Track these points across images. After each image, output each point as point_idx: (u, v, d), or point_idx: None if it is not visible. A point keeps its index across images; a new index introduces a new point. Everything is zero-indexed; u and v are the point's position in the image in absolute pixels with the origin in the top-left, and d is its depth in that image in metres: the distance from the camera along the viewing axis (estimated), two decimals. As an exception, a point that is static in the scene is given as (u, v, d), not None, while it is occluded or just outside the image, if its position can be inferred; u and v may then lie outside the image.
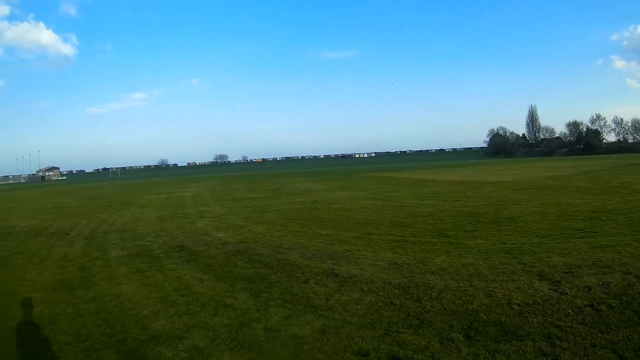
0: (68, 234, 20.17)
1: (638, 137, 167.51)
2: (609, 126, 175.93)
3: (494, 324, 6.81)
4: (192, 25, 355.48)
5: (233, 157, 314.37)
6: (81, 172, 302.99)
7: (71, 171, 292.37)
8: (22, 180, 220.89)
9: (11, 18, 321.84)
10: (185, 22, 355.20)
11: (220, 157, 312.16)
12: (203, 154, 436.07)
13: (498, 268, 10.11)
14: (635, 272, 9.15)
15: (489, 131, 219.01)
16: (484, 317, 7.10)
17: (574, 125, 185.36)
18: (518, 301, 7.77)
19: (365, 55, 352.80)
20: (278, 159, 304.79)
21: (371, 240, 14.39)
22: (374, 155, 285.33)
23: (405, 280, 9.49)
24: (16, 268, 13.61)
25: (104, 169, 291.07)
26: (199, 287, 10.01)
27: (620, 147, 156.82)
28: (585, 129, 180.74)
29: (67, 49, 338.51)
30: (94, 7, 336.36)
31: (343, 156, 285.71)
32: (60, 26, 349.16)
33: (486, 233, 14.58)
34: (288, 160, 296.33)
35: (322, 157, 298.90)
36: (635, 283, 8.46)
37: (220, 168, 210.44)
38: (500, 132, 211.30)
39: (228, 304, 8.57)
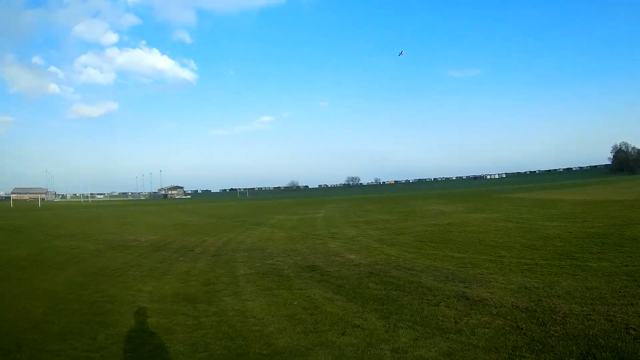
0: (192, 250, 20.53)
1: None
2: None
3: (610, 349, 6.69)
4: (318, 48, 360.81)
5: (365, 179, 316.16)
6: (207, 192, 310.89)
7: (196, 191, 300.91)
8: (142, 198, 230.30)
9: (121, 45, 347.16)
10: (310, 45, 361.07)
11: (352, 179, 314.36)
12: (335, 176, 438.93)
13: (620, 291, 9.92)
14: None
15: (612, 147, 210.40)
16: (602, 342, 6.98)
17: None
18: (635, 326, 7.61)
19: (490, 74, 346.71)
20: (410, 180, 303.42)
21: (502, 263, 14.17)
22: (504, 175, 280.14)
23: (532, 304, 9.36)
24: (133, 279, 14.15)
25: (231, 189, 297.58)
26: (328, 306, 10.01)
27: None
28: None
29: (187, 74, 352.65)
30: (209, 34, 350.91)
31: (475, 177, 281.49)
32: (176, 52, 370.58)
33: (611, 255, 14.23)
34: (420, 182, 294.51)
35: (454, 178, 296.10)
36: None
37: (352, 190, 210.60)
38: (623, 147, 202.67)
39: (357, 324, 8.56)
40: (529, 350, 6.83)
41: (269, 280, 13.16)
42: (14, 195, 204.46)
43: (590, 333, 7.39)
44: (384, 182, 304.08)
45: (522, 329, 7.82)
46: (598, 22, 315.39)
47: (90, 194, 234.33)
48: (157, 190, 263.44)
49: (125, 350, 7.66)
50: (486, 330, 7.86)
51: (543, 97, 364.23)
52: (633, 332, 7.29)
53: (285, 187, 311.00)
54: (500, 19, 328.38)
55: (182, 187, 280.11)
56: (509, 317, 8.54)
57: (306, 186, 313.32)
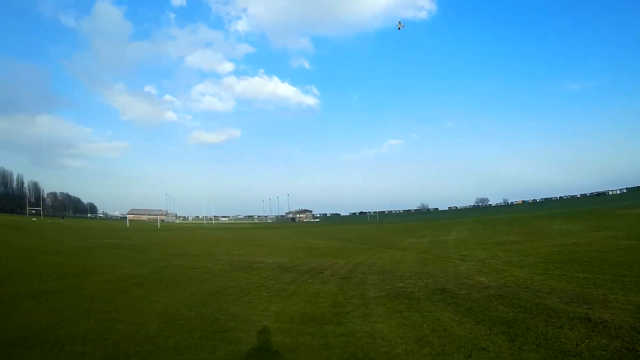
0: (322, 272, 20.62)
1: None
2: None
3: None
4: (438, 68, 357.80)
5: (494, 200, 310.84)
6: (336, 215, 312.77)
7: (325, 214, 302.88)
8: (269, 221, 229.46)
9: (238, 73, 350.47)
10: (429, 66, 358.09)
11: (481, 200, 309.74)
12: (464, 198, 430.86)
13: None
14: None
15: None
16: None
17: None
18: None
19: (605, 86, 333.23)
20: (537, 200, 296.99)
21: (623, 282, 13.86)
22: (625, 190, 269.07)
23: (650, 325, 9.00)
24: (259, 300, 14.32)
25: (361, 212, 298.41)
26: (457, 329, 10.00)
27: None
28: None
29: (309, 100, 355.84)
30: (328, 60, 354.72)
31: (597, 194, 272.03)
32: (297, 79, 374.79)
33: None
34: (546, 200, 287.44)
35: (578, 196, 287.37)
36: None
37: (481, 211, 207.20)
38: None
39: (483, 347, 8.59)
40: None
41: (399, 303, 13.16)
42: (130, 215, 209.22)
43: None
44: (512, 203, 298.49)
45: (637, 351, 7.77)
46: None
47: (214, 216, 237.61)
48: (284, 214, 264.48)
49: None
50: (604, 352, 7.79)
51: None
52: None
53: (415, 210, 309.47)
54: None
55: (310, 211, 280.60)
56: (626, 339, 8.42)
57: (436, 208, 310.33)
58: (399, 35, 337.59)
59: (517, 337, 9.12)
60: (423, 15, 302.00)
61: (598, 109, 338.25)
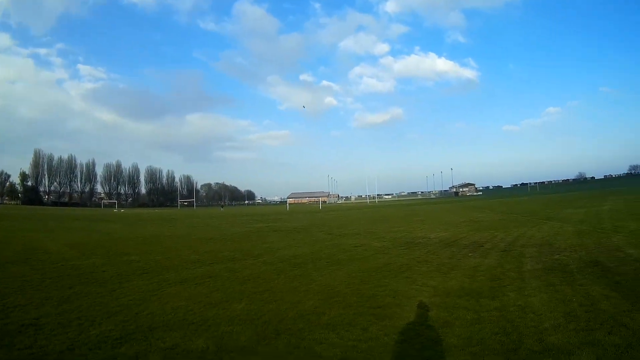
0: (482, 246, 20.62)
1: None
2: None
3: None
4: (595, 30, 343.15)
5: None
6: (498, 187, 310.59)
7: (487, 187, 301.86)
8: (432, 196, 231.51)
9: (394, 53, 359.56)
10: (585, 29, 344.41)
11: (635, 167, 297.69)
12: (618, 165, 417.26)
13: None
14: None
15: None
16: None
17: None
18: None
19: None
20: None
21: None
22: None
23: None
24: (419, 275, 14.32)
25: (522, 184, 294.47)
26: (603, 304, 9.80)
27: None
28: None
29: (468, 73, 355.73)
30: (481, 31, 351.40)
31: None
32: (454, 53, 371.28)
33: None
34: None
35: None
36: None
37: (635, 180, 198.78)
38: None
39: (624, 323, 8.33)
40: None
41: (553, 276, 13.01)
42: (290, 199, 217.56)
43: None
44: None
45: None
46: None
47: (377, 194, 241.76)
48: (447, 189, 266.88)
49: (397, 342, 7.95)
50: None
51: None
52: None
53: (573, 180, 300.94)
54: None
55: (473, 184, 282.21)
56: None
57: (592, 177, 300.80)
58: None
59: None
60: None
61: None
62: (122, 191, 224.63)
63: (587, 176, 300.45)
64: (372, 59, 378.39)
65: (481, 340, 7.85)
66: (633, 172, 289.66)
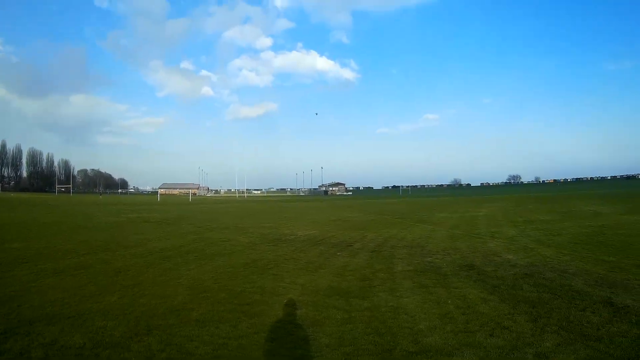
0: (351, 245, 20.79)
1: None
2: None
3: None
4: (477, 44, 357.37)
5: (526, 178, 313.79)
6: (369, 189, 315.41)
7: (358, 187, 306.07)
8: (302, 194, 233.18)
9: (276, 48, 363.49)
10: (469, 41, 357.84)
11: (514, 177, 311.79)
12: (496, 175, 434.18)
13: None
14: None
15: None
16: None
17: None
18: None
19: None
20: (569, 179, 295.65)
21: (645, 269, 13.92)
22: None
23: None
24: (287, 272, 14.38)
25: (394, 186, 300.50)
26: (481, 307, 10.03)
27: None
28: None
29: (348, 74, 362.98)
30: (368, 34, 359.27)
31: (628, 177, 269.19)
32: (335, 53, 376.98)
33: None
34: (578, 181, 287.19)
35: (608, 177, 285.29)
36: None
37: (513, 189, 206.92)
38: None
39: (506, 326, 8.57)
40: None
41: (426, 278, 13.21)
42: (161, 190, 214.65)
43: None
44: (544, 181, 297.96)
45: (654, 339, 7.67)
46: None
47: (247, 189, 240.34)
48: (317, 187, 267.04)
49: (267, 340, 7.90)
50: (623, 339, 7.70)
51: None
52: None
53: (447, 185, 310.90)
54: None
55: (343, 184, 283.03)
56: (646, 326, 8.45)
57: (468, 184, 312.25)
58: (440, 9, 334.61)
59: (539, 317, 9.13)
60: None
61: (633, 90, 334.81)
62: (5, 174, 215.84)
63: (462, 183, 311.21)
64: (253, 52, 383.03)
65: (353, 340, 7.86)
66: (512, 181, 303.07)
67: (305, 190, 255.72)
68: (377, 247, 19.93)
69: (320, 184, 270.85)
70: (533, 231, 25.29)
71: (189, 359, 7.13)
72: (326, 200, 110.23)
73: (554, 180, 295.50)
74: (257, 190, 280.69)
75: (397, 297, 10.91)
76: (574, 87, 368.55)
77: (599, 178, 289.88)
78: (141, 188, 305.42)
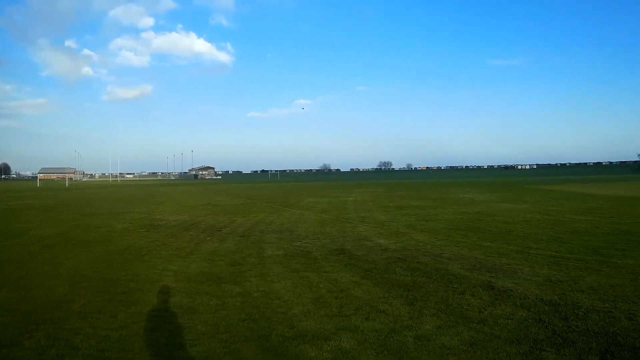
0: (221, 230, 20.86)
1: None
2: None
3: (629, 348, 6.59)
4: (354, 33, 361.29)
5: (397, 165, 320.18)
6: (238, 172, 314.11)
7: (227, 171, 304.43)
8: (172, 178, 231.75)
9: (157, 29, 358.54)
10: (348, 31, 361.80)
11: (385, 164, 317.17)
12: (367, 161, 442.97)
13: None
14: None
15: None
16: (622, 340, 6.89)
17: None
18: None
19: (531, 63, 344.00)
20: (442, 167, 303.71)
21: (529, 254, 14.20)
22: (535, 167, 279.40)
23: (556, 297, 9.37)
24: (159, 258, 14.37)
25: (263, 170, 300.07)
26: (354, 291, 10.07)
27: None
28: None
29: (223, 57, 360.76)
30: (248, 18, 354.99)
31: (505, 167, 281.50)
32: (213, 36, 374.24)
33: (636, 253, 14.20)
34: (452, 169, 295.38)
35: (485, 167, 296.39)
36: None
37: (384, 175, 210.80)
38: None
39: (382, 310, 8.59)
40: (550, 344, 6.77)
41: (296, 262, 13.26)
42: (41, 175, 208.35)
43: (611, 330, 7.34)
44: (415, 168, 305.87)
45: (544, 322, 7.80)
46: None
47: (120, 173, 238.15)
48: (187, 171, 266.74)
49: (146, 330, 7.69)
50: (509, 321, 7.82)
51: (576, 91, 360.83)
52: None
53: (317, 170, 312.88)
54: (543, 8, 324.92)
55: (213, 168, 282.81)
56: (532, 310, 8.54)
57: (338, 169, 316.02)
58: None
59: (416, 300, 9.25)
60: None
61: (516, 87, 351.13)
62: None
63: (332, 168, 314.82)
64: (135, 32, 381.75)
65: (229, 327, 7.77)
66: (383, 167, 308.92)
67: (176, 174, 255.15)
68: (246, 232, 20.14)
69: (191, 168, 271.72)
70: (404, 217, 25.78)
71: (76, 354, 6.83)
72: (196, 185, 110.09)
73: (427, 167, 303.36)
74: (130, 174, 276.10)
75: (269, 282, 10.95)
76: (452, 79, 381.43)
77: (475, 167, 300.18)
78: (22, 173, 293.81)
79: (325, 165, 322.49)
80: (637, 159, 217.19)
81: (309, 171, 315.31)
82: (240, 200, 44.47)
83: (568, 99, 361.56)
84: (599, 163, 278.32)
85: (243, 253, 14.96)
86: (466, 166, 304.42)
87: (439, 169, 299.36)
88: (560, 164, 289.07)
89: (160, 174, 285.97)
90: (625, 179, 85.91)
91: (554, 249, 14.99)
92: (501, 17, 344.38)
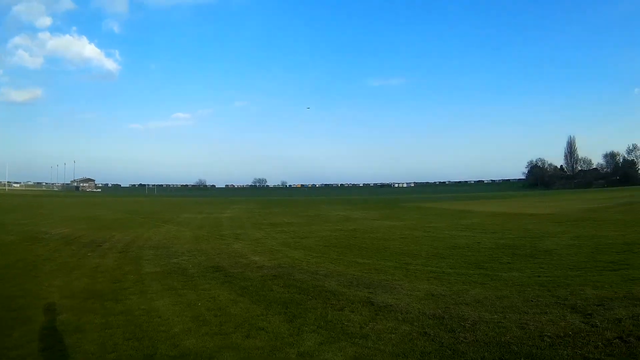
0: (101, 245, 20.51)
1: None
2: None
3: (525, 355, 6.79)
4: (237, 48, 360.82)
5: (272, 182, 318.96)
6: (117, 186, 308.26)
7: (107, 184, 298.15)
8: (55, 189, 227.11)
9: (53, 29, 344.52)
10: (229, 45, 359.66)
11: (259, 180, 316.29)
12: (242, 177, 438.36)
13: (532, 301, 10.08)
14: (669, 304, 9.15)
15: (527, 162, 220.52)
16: (516, 348, 7.07)
17: (610, 157, 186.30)
18: (549, 333, 7.77)
19: (410, 84, 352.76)
20: (317, 185, 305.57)
21: (408, 270, 14.31)
22: (413, 185, 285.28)
23: (440, 311, 9.45)
24: (45, 274, 14.08)
25: (141, 184, 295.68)
26: (233, 308, 10.03)
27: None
28: (621, 160, 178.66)
29: (110, 65, 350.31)
30: (139, 26, 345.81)
31: (382, 185, 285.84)
32: (104, 41, 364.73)
33: (522, 266, 14.58)
34: (327, 187, 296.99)
35: (361, 185, 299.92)
36: (669, 315, 8.42)
37: (258, 192, 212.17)
38: (539, 163, 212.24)
39: (261, 327, 8.56)
40: (438, 356, 6.91)
41: (174, 280, 13.23)
42: None
43: (503, 340, 7.54)
44: (290, 186, 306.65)
45: (430, 335, 7.87)
46: (521, 40, 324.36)
47: (8, 182, 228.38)
48: (70, 182, 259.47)
49: (40, 349, 7.54)
50: (393, 335, 7.90)
51: (456, 111, 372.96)
52: (548, 339, 7.48)
53: (192, 185, 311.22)
54: (423, 29, 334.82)
55: (93, 180, 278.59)
56: (416, 324, 8.61)
57: (213, 185, 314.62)
58: (212, 10, 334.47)
59: (295, 317, 9.30)
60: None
61: (394, 106, 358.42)
62: None
63: (207, 184, 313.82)
64: (32, 30, 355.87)
65: (115, 346, 7.68)
66: (257, 184, 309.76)
67: (59, 185, 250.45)
68: (125, 248, 20.01)
69: (72, 179, 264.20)
70: (279, 234, 25.97)
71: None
72: (77, 197, 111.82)
73: (301, 185, 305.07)
74: (17, 183, 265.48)
75: (149, 300, 10.89)
76: (331, 98, 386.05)
77: (350, 185, 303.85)
78: None
79: (201, 180, 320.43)
80: (522, 177, 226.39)
81: (185, 186, 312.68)
82: (119, 214, 44.57)
83: (447, 118, 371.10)
84: (481, 181, 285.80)
85: (123, 270, 14.87)
86: (341, 184, 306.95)
87: (313, 186, 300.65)
88: (439, 182, 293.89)
89: (44, 184, 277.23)
90: (508, 196, 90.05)
91: (434, 265, 15.24)
92: (382, 36, 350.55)
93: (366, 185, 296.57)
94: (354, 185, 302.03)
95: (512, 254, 16.99)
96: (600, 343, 7.22)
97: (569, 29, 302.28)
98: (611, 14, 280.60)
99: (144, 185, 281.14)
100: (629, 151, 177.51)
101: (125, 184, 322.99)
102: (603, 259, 14.96)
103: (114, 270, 14.78)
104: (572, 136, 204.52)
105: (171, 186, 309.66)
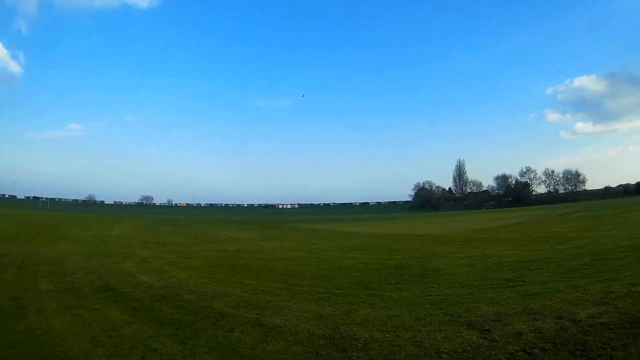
0: (0, 260, 20.38)
1: (569, 187, 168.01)
2: (539, 178, 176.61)
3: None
4: (132, 59, 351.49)
5: (158, 199, 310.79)
6: (13, 197, 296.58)
7: (4, 195, 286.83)
8: None
9: None
10: (125, 56, 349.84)
11: (146, 198, 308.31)
12: (130, 194, 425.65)
13: (424, 319, 10.37)
14: (568, 316, 9.55)
15: (414, 185, 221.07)
16: (413, 366, 7.11)
17: (502, 179, 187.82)
18: (447, 350, 8.06)
19: (297, 105, 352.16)
20: (202, 205, 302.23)
21: (294, 291, 14.70)
22: (297, 206, 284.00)
23: (330, 331, 9.73)
24: None
25: (35, 197, 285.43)
26: (126, 329, 10.15)
27: (550, 198, 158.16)
28: (514, 182, 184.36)
29: (14, 67, 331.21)
30: (46, 28, 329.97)
31: (266, 206, 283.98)
32: (11, 41, 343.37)
33: (411, 285, 15.01)
34: (212, 206, 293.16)
35: (245, 205, 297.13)
36: (569, 326, 8.83)
37: (145, 209, 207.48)
38: (427, 186, 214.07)
39: (155, 349, 8.73)
40: (332, 375, 6.97)
41: (69, 298, 13.31)
42: None
43: (397, 358, 7.84)
44: (176, 204, 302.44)
45: (322, 355, 8.25)
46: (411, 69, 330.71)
47: None
48: None
49: None
50: (284, 356, 8.21)
51: (341, 132, 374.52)
52: (445, 356, 7.80)
53: (83, 200, 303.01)
54: (312, 51, 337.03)
55: None
56: (307, 344, 8.91)
57: (102, 201, 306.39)
58: (115, 16, 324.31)
59: (187, 339, 9.49)
60: (145, 3, 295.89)
61: (282, 128, 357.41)
62: None
63: (96, 199, 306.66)
64: None
65: None
66: (144, 202, 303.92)
67: None
68: (22, 263, 19.97)
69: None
70: (166, 253, 26.14)
71: None
72: None
73: (187, 204, 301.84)
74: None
75: (47, 319, 10.98)
76: (219, 116, 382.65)
77: (235, 205, 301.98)
78: None
79: (90, 195, 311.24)
80: (408, 199, 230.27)
81: (75, 201, 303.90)
82: (17, 228, 43.52)
83: (333, 140, 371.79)
84: (366, 203, 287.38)
85: (21, 286, 14.89)
86: (226, 204, 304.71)
87: (198, 205, 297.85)
88: (324, 203, 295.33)
89: None
90: (395, 218, 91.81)
91: (321, 285, 15.68)
92: (271, 56, 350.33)
93: (250, 206, 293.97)
94: (238, 205, 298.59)
95: (401, 274, 17.42)
96: (502, 357, 7.54)
97: (467, 56, 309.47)
98: (511, 43, 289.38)
99: (38, 198, 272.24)
100: (522, 173, 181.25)
101: (21, 195, 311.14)
102: (497, 277, 15.49)
103: (13, 286, 14.84)
104: (461, 159, 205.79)
105: (63, 200, 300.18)
